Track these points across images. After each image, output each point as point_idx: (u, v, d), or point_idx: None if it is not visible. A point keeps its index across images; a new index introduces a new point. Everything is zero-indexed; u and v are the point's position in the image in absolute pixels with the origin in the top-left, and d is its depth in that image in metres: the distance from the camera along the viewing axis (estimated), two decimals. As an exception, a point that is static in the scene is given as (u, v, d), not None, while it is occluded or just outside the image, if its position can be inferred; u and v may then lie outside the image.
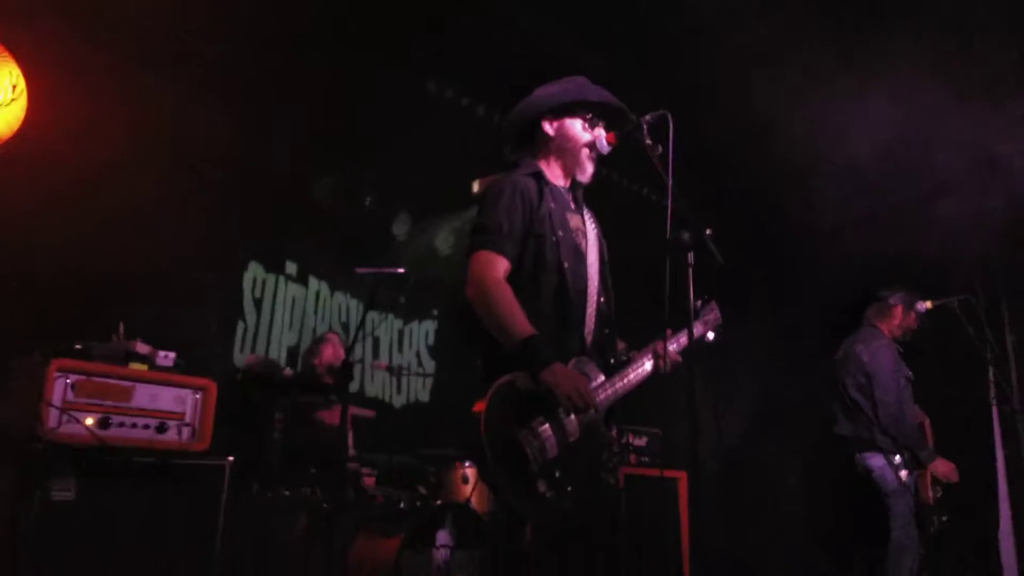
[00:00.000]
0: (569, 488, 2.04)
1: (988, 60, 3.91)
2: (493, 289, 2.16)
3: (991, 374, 4.63)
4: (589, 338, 2.30)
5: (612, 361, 2.37)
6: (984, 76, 3.95)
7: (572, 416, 2.12)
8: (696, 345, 2.49)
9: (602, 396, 2.21)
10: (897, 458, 3.74)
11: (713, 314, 2.66)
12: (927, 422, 4.09)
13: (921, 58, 3.86)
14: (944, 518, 3.78)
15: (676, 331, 2.44)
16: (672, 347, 2.41)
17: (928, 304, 3.96)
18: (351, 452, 4.26)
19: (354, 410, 4.42)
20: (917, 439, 3.78)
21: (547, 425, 2.06)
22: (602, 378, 2.26)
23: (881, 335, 4.00)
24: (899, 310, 4.04)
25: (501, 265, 2.21)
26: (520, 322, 2.10)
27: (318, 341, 4.61)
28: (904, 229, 4.49)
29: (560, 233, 2.31)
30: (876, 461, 3.77)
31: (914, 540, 3.65)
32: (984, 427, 4.96)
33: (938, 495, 3.76)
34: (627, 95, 2.47)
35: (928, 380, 4.14)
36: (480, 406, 1.98)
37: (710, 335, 2.63)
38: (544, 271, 2.26)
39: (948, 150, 4.19)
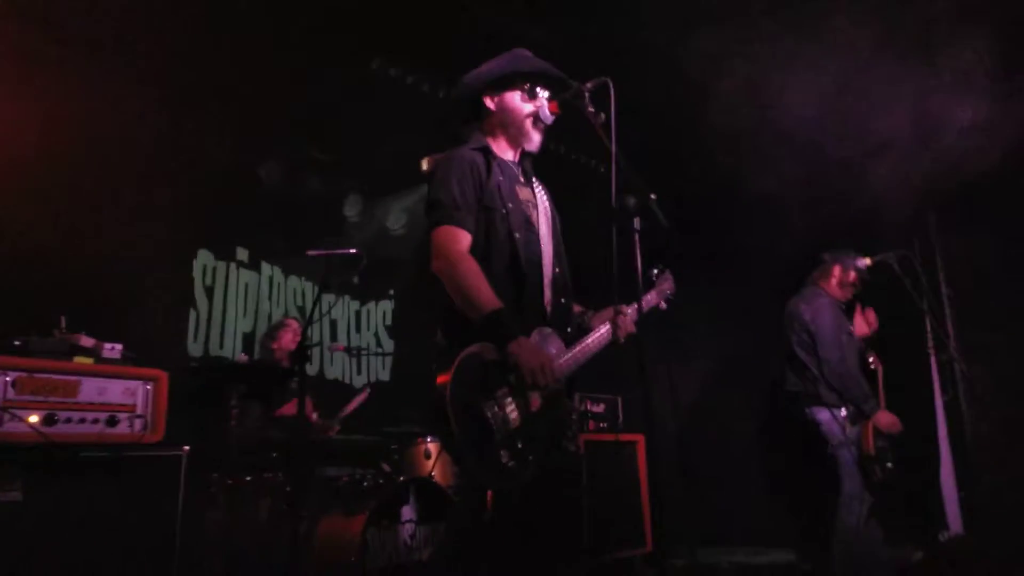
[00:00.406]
0: (530, 458, 2.07)
1: (922, 16, 4.01)
2: (459, 263, 2.18)
3: (928, 324, 4.83)
4: (549, 308, 2.34)
5: (569, 330, 2.40)
6: (918, 33, 4.05)
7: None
8: (649, 314, 2.54)
9: (563, 365, 2.24)
10: (842, 412, 3.88)
11: (668, 283, 2.70)
12: (880, 369, 4.23)
13: (854, 15, 3.94)
14: (889, 465, 3.93)
15: (631, 300, 2.47)
16: (629, 315, 2.44)
17: (868, 260, 4.08)
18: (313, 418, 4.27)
19: (351, 406, 4.44)
20: (861, 393, 3.90)
21: (510, 395, 2.09)
22: (562, 347, 2.29)
23: (823, 294, 4.12)
24: (837, 269, 4.15)
25: (464, 238, 2.24)
26: (487, 295, 2.13)
27: (277, 327, 4.58)
28: (844, 188, 4.62)
29: (510, 205, 2.33)
30: (823, 415, 3.90)
31: (861, 488, 3.81)
32: (924, 375, 5.18)
33: (881, 445, 3.89)
34: (566, 63, 2.48)
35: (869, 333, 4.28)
36: (444, 377, 1.99)
37: (663, 304, 2.67)
38: (495, 243, 2.28)
39: (883, 107, 4.30)
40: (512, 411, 2.07)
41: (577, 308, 2.55)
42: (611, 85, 2.26)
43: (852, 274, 4.12)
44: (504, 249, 2.29)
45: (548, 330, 2.28)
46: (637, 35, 4.20)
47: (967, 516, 4.96)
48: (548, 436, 2.18)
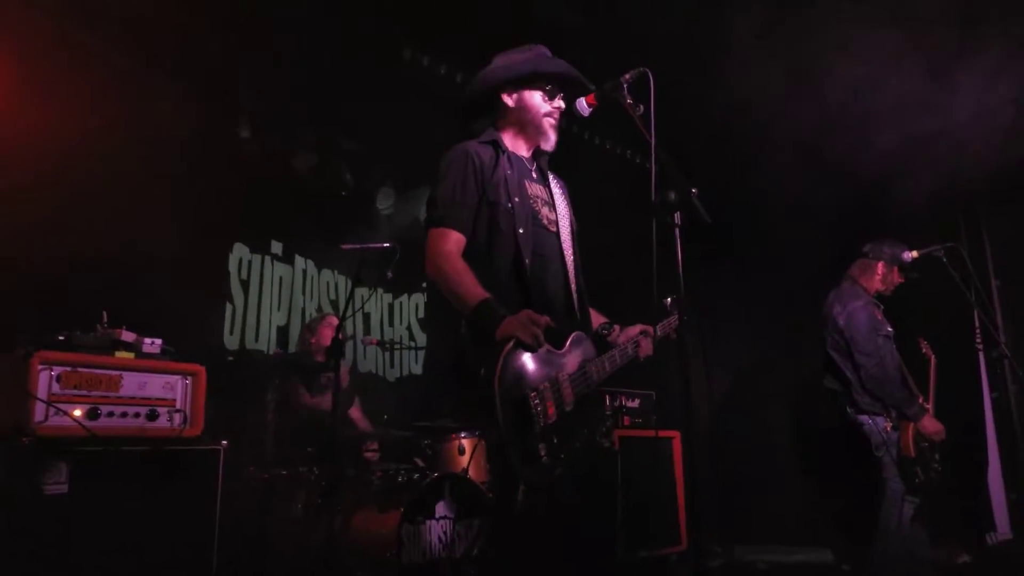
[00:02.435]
0: (562, 455, 2.07)
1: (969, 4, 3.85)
2: (443, 264, 2.19)
3: (976, 319, 4.65)
4: (578, 311, 2.34)
5: (601, 333, 2.43)
6: (966, 22, 3.89)
7: (568, 383, 2.14)
8: (661, 342, 2.53)
9: (594, 372, 2.24)
10: (881, 419, 3.75)
11: (675, 316, 2.57)
12: (933, 360, 4.06)
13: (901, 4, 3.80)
14: (935, 466, 3.80)
15: (657, 320, 2.48)
16: (655, 335, 2.45)
17: (914, 254, 3.91)
18: (363, 425, 4.29)
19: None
20: (903, 396, 3.73)
21: (549, 390, 2.09)
22: (593, 354, 2.29)
23: (860, 293, 3.93)
24: (881, 266, 3.97)
25: (451, 238, 2.23)
26: (471, 290, 2.13)
27: (318, 321, 4.58)
28: (889, 177, 4.47)
29: (516, 199, 2.31)
30: (863, 417, 3.79)
31: (904, 490, 3.70)
32: (972, 372, 5.01)
33: (923, 446, 3.75)
34: (599, 55, 2.44)
35: (915, 328, 4.15)
36: (493, 368, 1.98)
37: (672, 335, 2.58)
38: (499, 238, 2.26)
39: (929, 98, 4.15)
40: (550, 406, 2.06)
41: (602, 318, 2.54)
42: (650, 76, 2.21)
43: (896, 271, 3.96)
44: (508, 244, 2.26)
45: (582, 334, 2.29)
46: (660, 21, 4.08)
47: (1016, 518, 4.80)
48: (582, 434, 2.18)
